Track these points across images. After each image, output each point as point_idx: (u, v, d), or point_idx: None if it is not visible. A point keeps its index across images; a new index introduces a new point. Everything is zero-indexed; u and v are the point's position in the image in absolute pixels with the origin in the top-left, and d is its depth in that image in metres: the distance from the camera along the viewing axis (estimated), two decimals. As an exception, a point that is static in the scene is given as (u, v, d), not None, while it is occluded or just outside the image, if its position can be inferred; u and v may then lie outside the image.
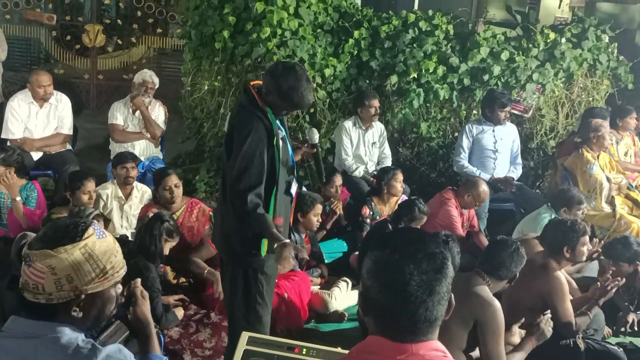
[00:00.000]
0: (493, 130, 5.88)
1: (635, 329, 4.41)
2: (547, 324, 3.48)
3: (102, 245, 1.84)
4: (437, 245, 1.53)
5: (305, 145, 3.55)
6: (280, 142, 3.17)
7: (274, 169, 3.13)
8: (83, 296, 1.81)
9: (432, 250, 1.51)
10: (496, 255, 3.39)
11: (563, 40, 6.42)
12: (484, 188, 5.31)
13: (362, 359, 1.56)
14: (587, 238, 3.91)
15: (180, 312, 4.10)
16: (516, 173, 6.03)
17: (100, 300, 1.86)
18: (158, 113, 6.15)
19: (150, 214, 4.41)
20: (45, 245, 1.77)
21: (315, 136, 3.54)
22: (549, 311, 3.67)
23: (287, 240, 3.09)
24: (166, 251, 4.03)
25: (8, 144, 5.67)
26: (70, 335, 1.79)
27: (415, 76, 6.14)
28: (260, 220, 3.04)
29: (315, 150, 3.53)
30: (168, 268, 4.39)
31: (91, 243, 1.81)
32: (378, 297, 1.52)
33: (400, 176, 5.41)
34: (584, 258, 4.02)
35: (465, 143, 5.89)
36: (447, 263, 1.52)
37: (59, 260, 1.76)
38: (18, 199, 4.74)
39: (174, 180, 4.66)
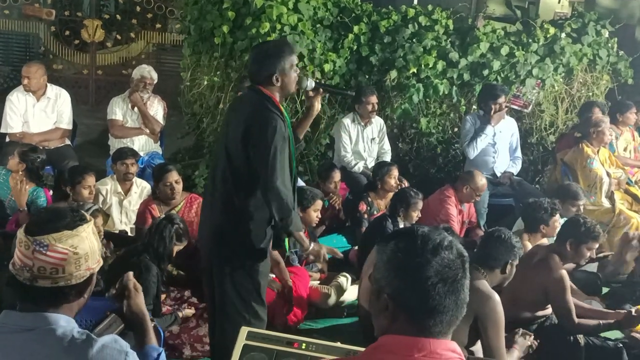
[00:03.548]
0: (491, 124, 5.85)
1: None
2: (527, 338, 3.47)
3: (94, 227, 1.94)
4: (458, 242, 1.55)
5: (310, 94, 3.38)
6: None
7: (291, 166, 3.19)
8: (94, 277, 1.89)
9: (459, 247, 1.52)
10: (486, 246, 3.42)
11: (563, 35, 6.41)
12: (482, 178, 5.31)
13: (377, 359, 1.54)
14: (595, 245, 3.91)
15: (189, 311, 4.08)
16: (515, 168, 6.02)
17: (93, 281, 1.92)
18: (157, 108, 6.14)
19: (154, 213, 4.42)
20: (63, 227, 1.80)
21: (309, 81, 3.36)
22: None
23: (312, 245, 3.31)
24: (173, 254, 4.00)
25: (7, 139, 5.67)
26: (65, 326, 1.80)
27: (415, 71, 6.13)
28: (296, 221, 3.15)
29: (320, 90, 3.40)
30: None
31: (92, 224, 1.90)
32: (404, 294, 1.49)
33: (395, 172, 5.40)
34: (583, 262, 4.02)
35: (472, 129, 5.85)
36: (467, 258, 1.53)
37: (80, 239, 1.82)
38: (23, 209, 4.69)
39: (174, 176, 4.66)
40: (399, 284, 1.50)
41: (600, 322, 3.85)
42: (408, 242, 1.51)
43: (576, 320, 3.75)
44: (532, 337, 3.49)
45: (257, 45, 3.45)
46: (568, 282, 3.80)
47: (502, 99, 5.80)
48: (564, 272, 3.80)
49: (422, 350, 1.48)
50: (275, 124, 3.05)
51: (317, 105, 3.37)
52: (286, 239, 3.35)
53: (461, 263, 1.50)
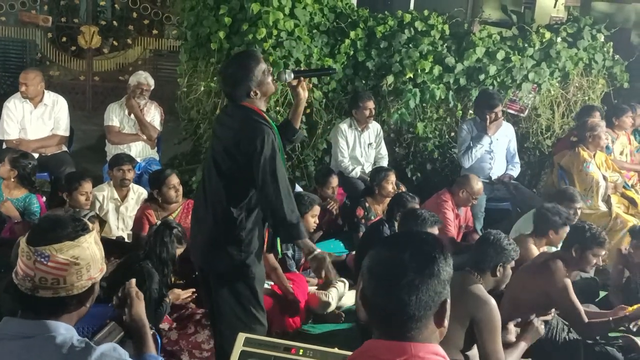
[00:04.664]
0: (488, 134, 5.85)
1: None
2: (540, 323, 3.49)
3: (97, 235, 1.92)
4: (433, 248, 1.56)
5: (293, 84, 3.35)
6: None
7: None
8: (96, 285, 1.88)
9: (424, 249, 1.55)
10: (477, 249, 3.43)
11: (559, 39, 6.43)
12: (478, 182, 5.32)
13: None
14: (601, 252, 3.87)
15: (185, 293, 4.06)
16: (515, 171, 6.04)
17: (96, 290, 1.91)
18: (154, 114, 6.14)
19: (152, 219, 4.42)
20: (64, 238, 1.80)
21: (287, 73, 3.33)
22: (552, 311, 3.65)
23: (318, 250, 3.20)
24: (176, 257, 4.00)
25: (4, 145, 5.66)
26: (64, 334, 1.80)
27: (411, 76, 6.14)
28: (300, 229, 3.12)
29: (301, 77, 3.36)
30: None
31: (95, 233, 1.89)
32: (367, 287, 1.56)
33: (392, 177, 5.41)
34: (589, 269, 3.97)
35: (468, 137, 5.87)
36: (439, 262, 1.54)
37: (81, 249, 1.81)
38: (18, 221, 4.68)
39: (176, 178, 4.72)
40: (375, 289, 1.55)
41: (611, 318, 3.82)
42: (385, 249, 1.58)
43: (586, 319, 3.74)
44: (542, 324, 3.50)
45: (223, 68, 3.36)
46: (570, 285, 3.78)
47: (498, 108, 5.81)
48: (566, 276, 3.78)
49: (402, 354, 1.50)
50: (265, 135, 3.07)
51: (304, 93, 3.36)
52: (278, 242, 3.36)
53: (428, 271, 1.52)
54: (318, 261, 3.17)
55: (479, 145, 5.77)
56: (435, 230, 3.97)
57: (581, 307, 3.76)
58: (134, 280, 2.18)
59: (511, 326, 3.53)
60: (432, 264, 1.52)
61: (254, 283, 3.29)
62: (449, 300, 1.56)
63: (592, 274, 4.63)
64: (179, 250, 3.96)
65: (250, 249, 3.24)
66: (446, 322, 1.55)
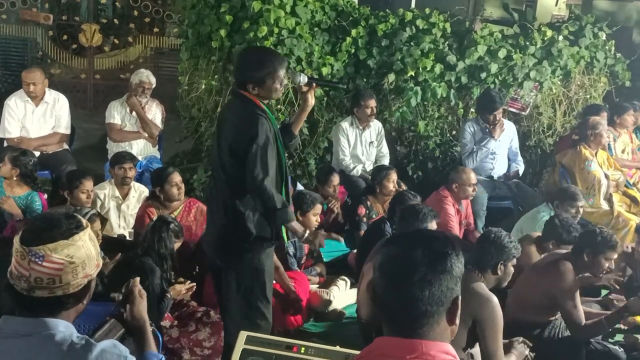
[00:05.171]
0: (494, 138, 5.85)
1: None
2: (524, 347, 3.44)
3: (91, 232, 1.91)
4: (445, 244, 1.56)
5: (303, 89, 3.44)
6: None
7: (281, 163, 3.29)
8: (92, 283, 1.86)
9: (436, 245, 1.55)
10: (479, 247, 3.41)
11: (560, 38, 6.42)
12: (464, 170, 5.33)
13: None
14: (613, 255, 3.82)
15: (185, 287, 4.06)
16: (520, 168, 6.07)
17: (92, 287, 1.90)
18: (155, 112, 6.14)
19: (153, 217, 4.41)
20: (58, 237, 1.78)
21: (301, 76, 3.45)
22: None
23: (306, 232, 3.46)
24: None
25: (5, 144, 5.66)
26: (64, 331, 1.79)
27: (413, 74, 6.13)
28: (287, 213, 3.27)
29: (313, 84, 3.45)
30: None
31: (89, 229, 1.87)
32: (379, 285, 1.55)
33: (393, 176, 5.40)
34: (600, 273, 3.91)
35: (471, 139, 5.87)
36: (451, 258, 1.54)
37: (76, 248, 1.79)
38: (20, 219, 4.67)
39: (178, 176, 4.74)
40: (386, 286, 1.54)
41: (602, 318, 3.78)
42: (396, 246, 1.57)
43: (583, 322, 3.71)
44: (529, 350, 3.45)
45: (249, 51, 3.57)
46: (577, 288, 3.75)
47: (498, 111, 5.81)
48: (573, 278, 3.75)
49: (413, 352, 1.49)
50: (257, 123, 3.16)
51: (311, 100, 3.43)
52: (284, 230, 3.42)
53: (439, 268, 1.52)
54: (313, 235, 3.39)
55: (485, 149, 5.78)
56: (434, 225, 3.97)
57: (582, 312, 3.74)
58: (138, 279, 2.18)
59: (516, 345, 3.46)
60: (444, 260, 1.52)
61: (263, 276, 3.36)
62: (460, 298, 1.55)
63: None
64: (177, 245, 3.98)
65: (259, 242, 3.31)
66: (457, 320, 1.55)
